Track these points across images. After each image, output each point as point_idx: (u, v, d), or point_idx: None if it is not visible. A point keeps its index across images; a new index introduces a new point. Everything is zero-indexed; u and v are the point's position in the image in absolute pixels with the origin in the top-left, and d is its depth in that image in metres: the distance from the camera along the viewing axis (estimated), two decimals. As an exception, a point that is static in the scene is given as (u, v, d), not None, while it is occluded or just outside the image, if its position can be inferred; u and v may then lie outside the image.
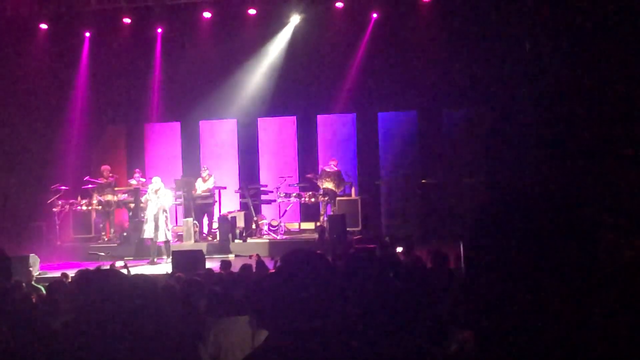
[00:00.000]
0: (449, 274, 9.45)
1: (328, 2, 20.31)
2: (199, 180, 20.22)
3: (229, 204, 20.78)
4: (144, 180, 20.34)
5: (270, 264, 12.18)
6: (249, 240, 19.24)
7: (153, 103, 22.27)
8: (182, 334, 4.75)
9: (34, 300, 7.98)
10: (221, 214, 19.79)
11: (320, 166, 20.60)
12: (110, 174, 20.65)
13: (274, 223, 19.95)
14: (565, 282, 1.85)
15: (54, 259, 18.09)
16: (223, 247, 18.46)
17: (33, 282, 12.12)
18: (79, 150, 21.78)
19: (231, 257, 17.36)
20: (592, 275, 1.85)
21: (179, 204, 20.47)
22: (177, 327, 4.54)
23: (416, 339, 4.08)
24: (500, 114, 19.51)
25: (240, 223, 19.57)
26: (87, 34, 21.75)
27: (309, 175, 20.21)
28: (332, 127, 21.61)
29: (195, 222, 19.45)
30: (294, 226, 20.70)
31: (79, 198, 20.34)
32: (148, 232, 17.86)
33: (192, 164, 21.63)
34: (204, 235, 19.90)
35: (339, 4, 20.19)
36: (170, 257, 16.31)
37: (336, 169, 19.92)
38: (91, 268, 9.71)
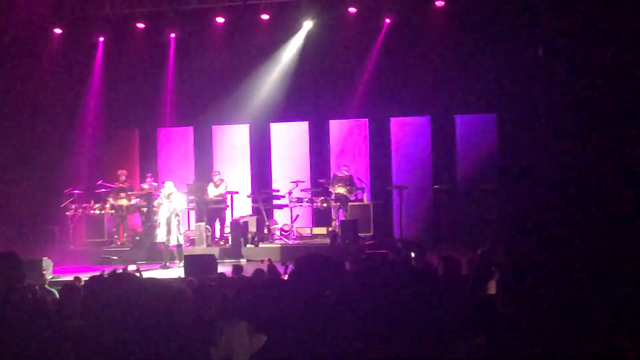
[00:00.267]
0: (461, 280, 9.42)
1: (341, 7, 20.30)
2: (211, 185, 20.24)
3: (241, 208, 20.80)
4: (156, 184, 20.38)
5: (281, 269, 12.20)
6: (260, 245, 19.24)
7: (166, 108, 22.31)
8: (194, 338, 4.76)
9: (46, 303, 7.99)
10: (233, 218, 19.81)
11: (332, 171, 20.60)
12: (126, 179, 20.74)
13: (286, 228, 19.95)
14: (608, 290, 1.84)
15: (67, 263, 18.13)
16: (235, 252, 18.49)
17: (46, 286, 12.15)
18: (92, 155, 21.86)
19: (243, 261, 17.38)
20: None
21: (191, 209, 20.49)
22: (189, 331, 4.55)
23: (427, 344, 4.07)
24: (514, 119, 19.47)
25: (252, 228, 19.57)
26: (101, 39, 21.83)
27: (321, 181, 20.21)
28: (344, 132, 21.59)
29: (207, 226, 19.47)
30: (306, 231, 20.68)
31: (92, 202, 20.39)
32: (160, 236, 17.90)
33: (204, 168, 21.66)
34: (216, 239, 19.92)
35: (352, 9, 20.18)
36: (183, 261, 16.34)
37: (348, 174, 19.92)
38: (104, 273, 9.74)
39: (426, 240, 18.33)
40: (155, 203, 18.57)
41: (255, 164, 22.14)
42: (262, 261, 14.42)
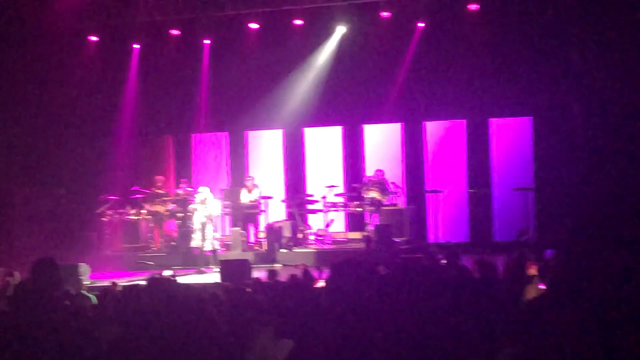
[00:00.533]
0: (498, 285, 9.35)
1: (374, 11, 20.27)
2: (244, 190, 20.28)
3: (276, 213, 20.84)
4: (190, 190, 20.48)
5: (315, 274, 12.20)
6: (295, 249, 19.27)
7: (200, 113, 22.42)
8: (228, 343, 4.78)
9: (83, 309, 8.06)
10: (268, 223, 19.85)
11: (366, 176, 20.57)
12: (163, 184, 20.88)
13: (321, 232, 19.96)
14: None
15: (104, 268, 18.27)
16: (270, 257, 18.53)
17: (83, 291, 12.25)
18: (128, 161, 22.01)
19: (278, 266, 17.40)
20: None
21: (226, 214, 20.57)
22: (223, 336, 4.56)
23: (463, 351, 4.05)
24: (549, 122, 19.37)
25: (287, 232, 19.61)
26: (136, 46, 21.99)
27: (355, 185, 20.20)
28: (378, 136, 21.56)
29: (242, 231, 19.53)
30: (341, 236, 20.67)
31: (128, 208, 20.54)
32: (196, 241, 17.99)
33: (239, 173, 21.73)
34: (251, 244, 19.98)
35: (385, 14, 20.14)
36: (218, 266, 16.41)
37: (381, 178, 19.88)
38: (141, 280, 9.81)
39: (461, 245, 18.31)
40: (190, 208, 18.67)
41: (289, 169, 22.18)
42: (296, 266, 14.44)
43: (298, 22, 20.73)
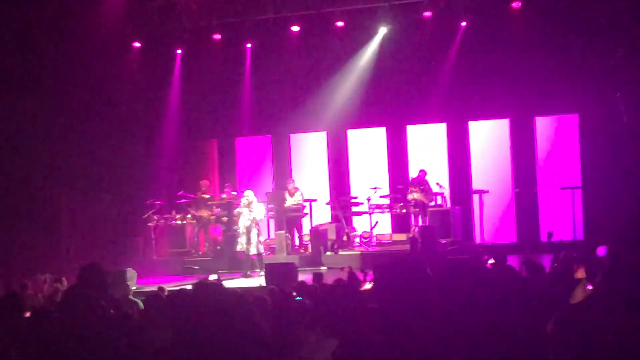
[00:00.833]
0: (545, 285, 9.23)
1: (416, 11, 20.18)
2: (286, 193, 20.30)
3: (320, 216, 20.81)
4: (235, 194, 20.55)
5: (360, 276, 12.16)
6: (340, 252, 19.23)
7: (243, 117, 22.50)
8: (274, 347, 4.76)
9: (130, 314, 8.10)
10: (312, 226, 19.83)
11: (410, 177, 20.46)
12: (208, 189, 20.98)
13: (365, 235, 19.90)
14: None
15: (151, 273, 18.40)
16: (315, 260, 18.51)
17: (130, 296, 12.33)
18: (173, 166, 22.16)
19: (323, 269, 17.38)
20: None
21: (270, 217, 20.60)
22: (270, 340, 4.55)
23: (510, 352, 3.99)
24: (595, 119, 19.14)
25: (332, 235, 19.58)
26: (179, 51, 22.13)
27: (399, 186, 20.12)
28: (422, 136, 21.45)
29: (287, 234, 19.53)
30: (386, 237, 20.58)
31: (174, 212, 20.66)
32: (241, 245, 18.02)
33: (283, 176, 21.74)
34: (296, 247, 19.98)
35: (427, 13, 20.04)
36: (263, 270, 16.43)
37: (423, 178, 19.77)
38: (187, 285, 9.83)
39: (508, 245, 18.19)
40: (235, 212, 18.71)
41: (333, 171, 22.15)
42: (342, 269, 14.41)
43: (339, 23, 20.70)
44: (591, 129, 19.42)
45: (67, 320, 4.99)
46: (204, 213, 20.54)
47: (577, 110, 19.74)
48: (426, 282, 3.73)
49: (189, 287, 5.52)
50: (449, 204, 20.10)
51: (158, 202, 20.57)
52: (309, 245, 19.31)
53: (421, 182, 19.73)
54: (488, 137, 20.85)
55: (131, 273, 15.74)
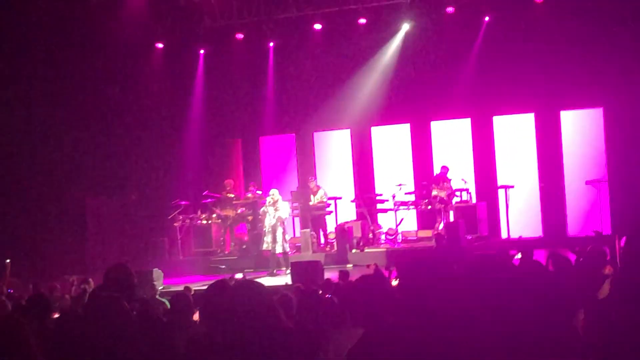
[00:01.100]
0: (572, 279, 9.14)
1: (438, 7, 20.11)
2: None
3: (345, 213, 20.77)
4: (260, 192, 20.57)
5: (386, 274, 12.13)
6: (366, 249, 19.20)
7: (267, 116, 22.51)
8: (300, 345, 4.74)
9: (157, 314, 8.13)
10: (338, 224, 19.81)
11: (434, 173, 20.39)
12: (233, 188, 21.01)
13: (391, 232, 19.85)
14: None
15: (177, 273, 18.45)
16: (341, 257, 18.48)
17: (157, 296, 12.38)
18: (197, 165, 22.21)
19: (349, 267, 17.36)
20: None
21: (295, 215, 20.61)
22: (295, 338, 4.53)
23: (540, 349, 3.96)
24: (621, 112, 19.02)
25: (357, 233, 19.55)
26: (202, 51, 22.19)
27: (424, 183, 20.06)
28: (446, 132, 21.37)
29: (312, 232, 19.52)
30: (411, 234, 20.51)
31: (199, 212, 20.71)
32: (267, 244, 18.03)
33: (307, 175, 21.70)
34: (322, 245, 19.97)
35: (450, 9, 19.96)
36: (289, 268, 16.44)
37: (444, 175, 19.68)
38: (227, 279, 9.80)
39: (534, 240, 18.10)
40: (261, 211, 18.74)
41: (357, 169, 22.12)
42: (368, 266, 14.38)
43: (362, 20, 20.68)
44: (617, 122, 19.29)
45: (93, 322, 5.01)
46: (229, 212, 20.57)
47: (603, 103, 19.60)
48: (451, 278, 3.71)
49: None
50: (474, 200, 20.02)
51: (183, 202, 20.63)
52: (335, 243, 19.28)
53: (443, 178, 19.65)
54: (513, 132, 20.75)
55: (157, 273, 15.79)
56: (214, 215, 20.62)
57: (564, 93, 19.57)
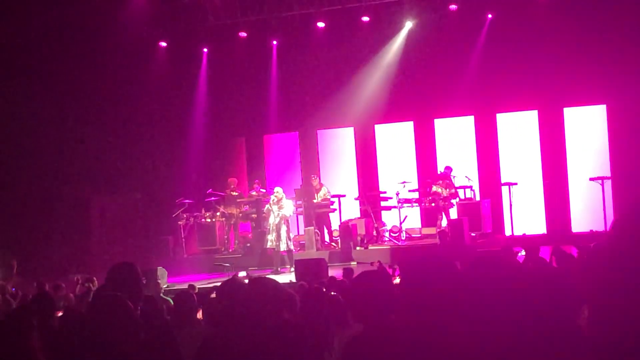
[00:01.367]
0: (575, 275, 9.13)
1: (441, 5, 20.11)
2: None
3: (349, 211, 20.78)
4: (264, 191, 20.58)
5: (390, 271, 12.13)
6: (370, 247, 19.20)
7: (271, 114, 22.52)
8: (305, 343, 4.75)
9: (161, 312, 8.14)
10: (342, 221, 19.81)
11: (438, 171, 20.38)
12: (237, 186, 21.02)
13: (395, 229, 19.84)
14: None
15: (181, 271, 18.47)
16: (345, 255, 18.48)
17: (161, 294, 12.39)
18: (201, 164, 22.23)
19: (353, 264, 17.37)
20: None
21: (299, 213, 20.60)
22: (300, 336, 4.54)
23: (544, 346, 3.95)
24: (624, 109, 19.02)
25: (361, 230, 19.55)
26: (205, 50, 22.21)
27: (428, 180, 20.06)
28: (450, 130, 21.37)
29: (316, 230, 19.53)
30: (415, 232, 20.50)
31: (203, 211, 20.71)
32: (270, 242, 18.04)
33: (311, 173, 21.70)
34: (326, 243, 19.97)
35: (453, 7, 19.96)
36: (293, 266, 16.44)
37: (449, 175, 19.67)
38: (218, 282, 9.84)
39: (538, 237, 18.09)
40: (265, 209, 18.75)
41: (361, 166, 22.13)
42: (372, 264, 14.39)
43: (365, 18, 20.69)
44: (620, 118, 19.30)
45: (98, 320, 5.01)
46: (233, 210, 20.58)
47: (606, 100, 19.60)
48: (454, 275, 3.71)
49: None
50: (478, 197, 20.01)
51: (187, 201, 20.63)
52: (339, 241, 19.28)
53: (446, 178, 19.62)
54: (516, 129, 20.74)
55: (161, 271, 15.80)
56: (218, 214, 20.62)
57: (567, 90, 19.58)
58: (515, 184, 19.89)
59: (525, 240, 16.23)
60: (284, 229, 17.94)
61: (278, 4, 20.64)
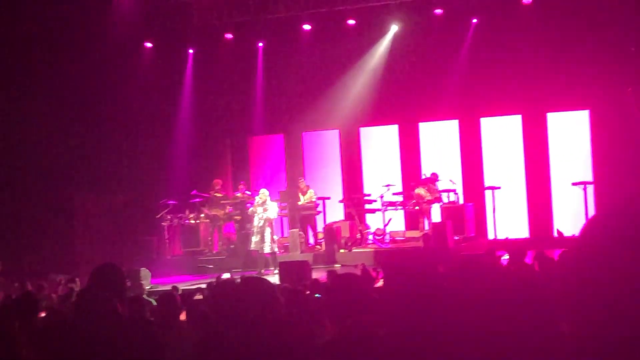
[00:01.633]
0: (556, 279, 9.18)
1: (427, 9, 20.19)
2: (298, 192, 20.30)
3: (334, 214, 20.82)
4: (249, 193, 20.58)
5: (373, 274, 12.16)
6: (354, 249, 19.23)
7: (256, 116, 22.53)
8: (289, 345, 4.78)
9: (144, 313, 8.13)
10: (326, 224, 19.84)
11: (423, 174, 20.44)
12: (221, 188, 21.00)
13: (379, 232, 19.89)
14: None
15: (165, 273, 18.44)
16: (329, 257, 18.51)
17: (144, 296, 12.37)
18: (186, 165, 22.18)
19: (337, 267, 17.40)
20: None
21: (284, 215, 20.61)
22: (283, 337, 4.57)
23: (526, 350, 3.99)
24: (607, 114, 19.14)
25: (345, 233, 19.58)
26: (191, 51, 22.20)
27: (412, 183, 20.12)
28: (434, 134, 21.44)
29: (300, 232, 19.55)
30: (399, 234, 20.55)
31: (187, 212, 20.69)
32: (255, 243, 18.05)
33: (295, 175, 21.74)
34: (310, 245, 19.99)
35: (438, 11, 20.04)
36: (277, 268, 16.45)
37: (434, 176, 19.74)
38: (202, 284, 9.82)
39: (521, 241, 18.17)
40: (249, 211, 18.75)
41: (346, 169, 22.17)
42: (355, 266, 14.42)
43: (351, 22, 20.74)
44: (603, 124, 19.41)
45: (80, 321, 5.02)
46: (218, 212, 20.57)
47: (589, 105, 19.72)
48: (435, 278, 3.74)
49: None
50: (461, 201, 20.09)
51: (172, 202, 20.61)
52: (323, 243, 19.31)
53: (431, 182, 19.67)
54: (500, 133, 20.83)
55: (145, 272, 15.79)
56: (202, 215, 20.61)
57: (550, 95, 19.68)
58: (499, 187, 19.96)
59: (508, 244, 16.29)
60: (268, 231, 17.96)
61: (264, 6, 20.64)
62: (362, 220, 20.60)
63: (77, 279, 13.07)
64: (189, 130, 22.44)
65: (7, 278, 15.44)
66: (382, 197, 19.89)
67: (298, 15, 20.77)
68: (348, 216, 20.53)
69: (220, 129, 22.73)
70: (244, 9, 20.74)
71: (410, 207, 19.76)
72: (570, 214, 19.43)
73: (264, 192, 18.26)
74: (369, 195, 20.81)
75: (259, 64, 22.22)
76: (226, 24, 21.15)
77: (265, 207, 18.01)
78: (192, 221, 20.60)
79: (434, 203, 19.57)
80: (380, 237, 19.77)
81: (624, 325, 1.71)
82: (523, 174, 20.44)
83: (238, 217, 20.27)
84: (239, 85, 22.27)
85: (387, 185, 20.06)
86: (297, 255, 18.45)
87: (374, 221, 20.63)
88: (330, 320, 5.12)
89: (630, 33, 18.12)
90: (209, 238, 20.78)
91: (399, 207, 20.05)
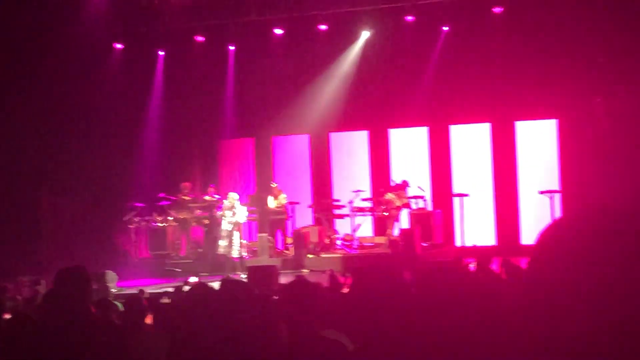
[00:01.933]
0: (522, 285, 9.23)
1: (398, 16, 20.26)
2: (270, 196, 20.27)
3: (303, 219, 20.82)
4: (218, 196, 20.52)
5: (342, 280, 12.17)
6: (322, 255, 19.23)
7: (226, 120, 22.49)
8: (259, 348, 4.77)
9: (110, 317, 8.08)
10: (295, 229, 19.84)
11: (393, 180, 20.51)
12: (190, 191, 20.91)
13: (348, 237, 19.91)
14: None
15: (131, 275, 18.32)
16: (297, 262, 18.49)
17: (110, 299, 12.28)
18: (154, 167, 22.07)
19: (305, 272, 17.38)
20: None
21: (252, 220, 20.57)
22: (250, 342, 4.55)
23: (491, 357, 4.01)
24: (575, 124, 19.32)
25: (314, 238, 19.58)
26: (161, 53, 22.10)
27: (381, 189, 20.17)
28: (404, 140, 21.52)
29: (269, 237, 19.52)
30: (367, 240, 20.60)
31: (155, 215, 20.59)
32: (222, 248, 18.01)
33: (265, 179, 21.73)
34: (279, 250, 19.97)
35: (409, 18, 20.12)
36: (245, 272, 16.42)
37: (404, 182, 19.81)
38: (169, 287, 9.78)
39: (488, 248, 18.26)
40: (218, 215, 18.70)
41: (315, 174, 22.18)
42: (324, 272, 14.43)
43: (322, 27, 20.75)
44: (571, 133, 19.59)
45: (46, 324, 4.99)
46: (186, 215, 20.49)
47: (557, 115, 19.88)
48: (402, 285, 3.75)
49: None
50: (430, 207, 20.17)
51: (139, 204, 20.50)
52: (291, 248, 19.30)
53: (401, 189, 19.74)
54: (469, 141, 20.94)
55: (111, 275, 15.70)
56: (170, 218, 20.52)
57: (519, 104, 19.82)
58: (467, 195, 20.06)
59: (476, 251, 16.37)
60: (236, 235, 17.93)
61: (236, 10, 20.61)
62: (331, 225, 20.62)
63: (42, 281, 12.96)
64: (159, 132, 22.33)
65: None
66: (351, 202, 19.93)
67: (270, 19, 20.77)
68: (317, 221, 20.54)
69: (190, 131, 22.65)
70: (216, 11, 20.70)
71: (380, 213, 19.81)
72: (537, 222, 19.56)
73: (233, 196, 18.23)
74: (338, 200, 20.83)
75: (229, 67, 22.18)
76: (197, 26, 21.09)
77: (234, 211, 17.98)
78: (160, 224, 20.51)
79: (403, 209, 19.65)
80: (349, 242, 19.79)
81: (582, 331, 1.72)
82: (491, 181, 20.56)
83: (206, 221, 20.20)
84: (209, 88, 22.20)
85: (357, 191, 20.11)
86: (265, 260, 18.41)
87: (342, 227, 20.66)
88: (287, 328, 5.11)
89: (598, 44, 18.29)
90: (177, 241, 20.69)
91: (368, 213, 20.10)
